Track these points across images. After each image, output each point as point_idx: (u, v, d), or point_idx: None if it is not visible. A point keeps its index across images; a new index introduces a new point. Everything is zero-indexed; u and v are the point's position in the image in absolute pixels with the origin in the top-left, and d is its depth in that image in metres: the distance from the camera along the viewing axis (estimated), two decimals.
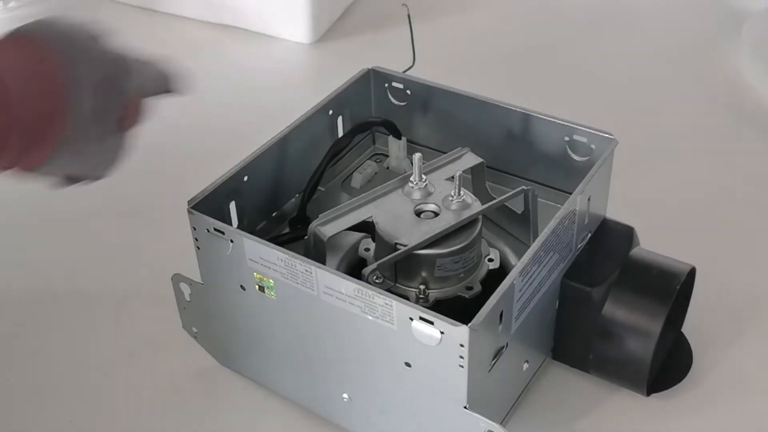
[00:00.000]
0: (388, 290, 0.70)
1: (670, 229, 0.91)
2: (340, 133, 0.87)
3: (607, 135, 0.77)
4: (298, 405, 0.77)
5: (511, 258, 0.78)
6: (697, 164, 1.04)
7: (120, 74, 0.64)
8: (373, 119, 0.88)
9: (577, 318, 0.74)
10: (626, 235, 0.78)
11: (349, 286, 0.64)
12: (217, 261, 0.71)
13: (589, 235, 0.77)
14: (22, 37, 0.60)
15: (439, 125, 0.88)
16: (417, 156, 0.73)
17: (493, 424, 0.62)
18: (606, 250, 0.77)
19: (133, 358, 0.82)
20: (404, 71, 0.88)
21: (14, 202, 1.02)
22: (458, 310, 0.62)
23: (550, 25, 1.35)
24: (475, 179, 0.80)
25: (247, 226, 0.79)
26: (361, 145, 0.91)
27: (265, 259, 0.67)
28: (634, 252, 0.76)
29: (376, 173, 0.89)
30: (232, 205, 0.77)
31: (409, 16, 0.89)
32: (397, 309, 0.62)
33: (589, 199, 0.73)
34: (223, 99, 1.17)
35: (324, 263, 0.66)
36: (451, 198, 0.72)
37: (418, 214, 0.73)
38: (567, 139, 0.80)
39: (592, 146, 0.78)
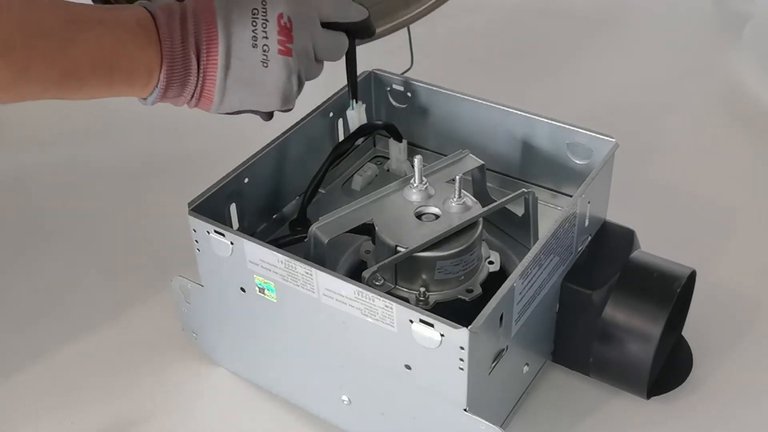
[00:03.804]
0: (389, 293, 0.70)
1: (670, 232, 0.91)
2: (341, 136, 0.87)
3: (607, 138, 0.77)
4: (297, 407, 0.77)
5: (512, 261, 0.78)
6: (697, 167, 1.04)
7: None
8: (374, 123, 0.88)
9: (577, 321, 0.74)
10: (627, 238, 0.78)
11: (349, 288, 0.64)
12: (218, 263, 0.71)
13: (590, 238, 0.77)
14: None
15: (439, 128, 0.88)
16: (417, 158, 0.73)
17: (494, 426, 0.62)
18: (606, 253, 0.77)
19: (133, 360, 0.82)
20: (402, 73, 0.88)
21: (14, 203, 1.02)
22: (458, 312, 0.62)
23: (551, 27, 1.35)
24: (475, 182, 0.80)
25: (248, 228, 0.79)
26: (361, 148, 0.91)
27: (265, 261, 0.67)
28: (635, 255, 0.76)
29: (376, 176, 0.89)
30: (233, 207, 0.77)
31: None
32: (398, 311, 0.62)
33: (589, 202, 0.73)
34: None
35: (324, 265, 0.66)
36: (451, 200, 0.72)
37: (419, 216, 0.73)
38: (567, 141, 0.80)
39: (593, 149, 0.78)
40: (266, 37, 0.68)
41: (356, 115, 0.84)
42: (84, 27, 0.62)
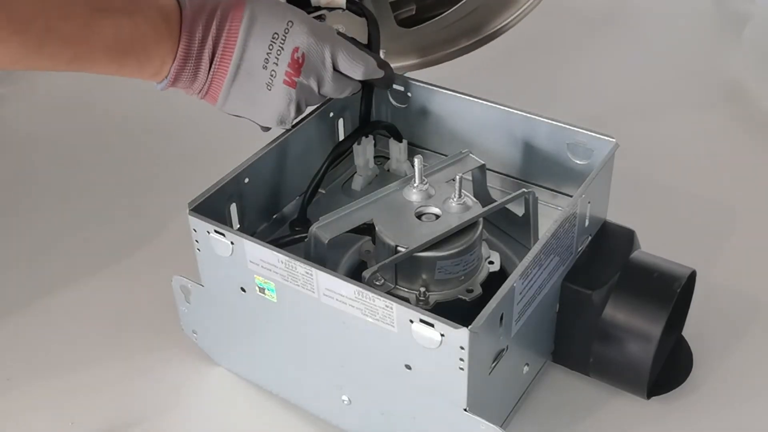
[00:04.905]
0: (389, 293, 0.70)
1: (670, 232, 0.91)
2: (341, 136, 0.87)
3: (607, 138, 0.77)
4: (297, 407, 0.77)
5: (512, 261, 0.78)
6: (697, 167, 1.04)
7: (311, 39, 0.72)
8: (375, 122, 0.88)
9: (577, 321, 0.74)
10: (627, 238, 0.78)
11: (349, 288, 0.64)
12: (218, 263, 0.71)
13: (590, 238, 0.77)
14: None
15: (439, 128, 0.88)
16: (417, 158, 0.73)
17: (494, 426, 0.62)
18: (606, 253, 0.77)
19: (133, 360, 0.82)
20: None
21: (13, 203, 1.02)
22: (459, 312, 0.62)
23: (551, 28, 1.35)
24: (475, 182, 0.80)
25: (248, 228, 0.79)
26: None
27: (265, 261, 0.67)
28: (635, 255, 0.76)
29: (376, 176, 0.89)
30: (233, 207, 0.77)
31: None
32: (398, 311, 0.62)
33: (589, 202, 0.73)
34: None
35: (325, 265, 0.66)
36: (451, 200, 0.72)
37: (419, 216, 0.73)
38: (567, 141, 0.80)
39: (593, 149, 0.78)
40: (276, 64, 0.71)
41: (361, 150, 0.85)
42: (105, 14, 0.64)
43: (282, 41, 0.71)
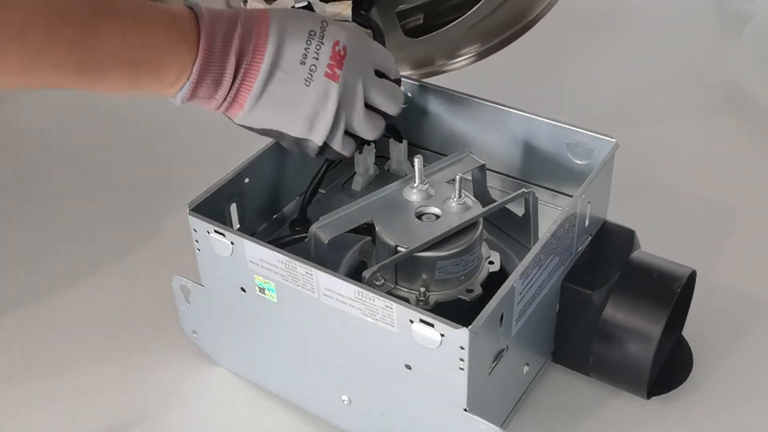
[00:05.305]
0: (389, 293, 0.70)
1: (670, 232, 0.91)
2: None
3: (607, 138, 0.77)
4: (298, 407, 0.77)
5: (512, 261, 0.78)
6: (697, 167, 1.04)
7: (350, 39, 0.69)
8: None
9: (577, 321, 0.74)
10: (627, 238, 0.78)
11: (349, 288, 0.64)
12: (218, 263, 0.71)
13: (590, 238, 0.77)
14: None
15: (439, 128, 0.87)
16: (418, 159, 0.73)
17: (494, 426, 0.62)
18: (606, 253, 0.77)
19: (133, 360, 0.82)
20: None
21: (15, 204, 1.02)
22: (459, 312, 0.62)
23: (551, 27, 1.35)
24: (475, 182, 0.80)
25: (248, 228, 0.79)
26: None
27: (265, 261, 0.67)
28: (635, 255, 0.76)
29: (376, 176, 0.89)
30: (233, 207, 0.77)
31: None
32: (398, 311, 0.62)
33: (589, 202, 0.73)
34: None
35: (325, 265, 0.66)
36: (451, 201, 0.72)
37: (419, 216, 0.73)
38: (567, 141, 0.80)
39: (593, 149, 0.78)
40: (317, 58, 0.67)
41: (361, 160, 0.86)
42: (109, 18, 0.60)
43: (321, 37, 0.67)
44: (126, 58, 0.62)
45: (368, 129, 0.72)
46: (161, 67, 0.63)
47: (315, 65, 0.67)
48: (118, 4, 0.62)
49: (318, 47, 0.67)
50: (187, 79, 0.65)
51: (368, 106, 0.71)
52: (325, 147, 0.70)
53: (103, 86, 0.62)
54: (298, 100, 0.68)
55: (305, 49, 0.67)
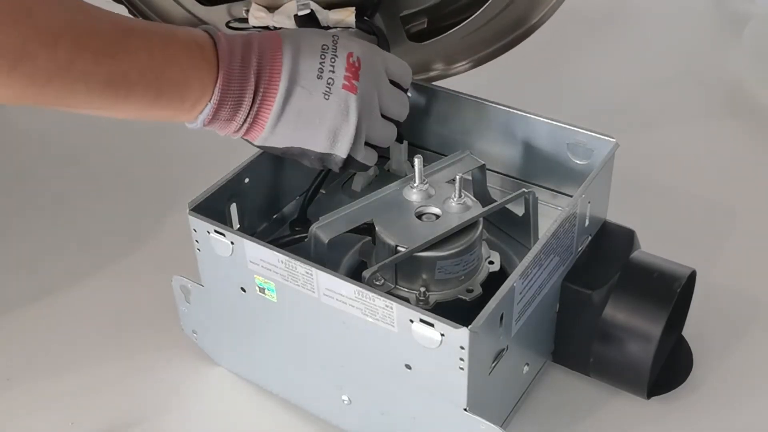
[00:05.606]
0: (389, 292, 0.70)
1: (670, 232, 0.91)
2: None
3: (607, 138, 0.77)
4: (298, 407, 0.77)
5: (512, 261, 0.78)
6: (697, 167, 1.04)
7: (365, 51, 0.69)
8: None
9: (577, 321, 0.74)
10: (627, 238, 0.78)
11: (349, 288, 0.64)
12: (218, 263, 0.71)
13: (590, 238, 0.77)
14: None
15: (440, 128, 0.88)
16: (418, 159, 0.73)
17: (494, 426, 0.62)
18: (606, 253, 0.77)
19: (133, 360, 0.82)
20: None
21: (15, 204, 1.02)
22: (459, 312, 0.62)
23: (551, 27, 1.35)
24: (475, 182, 0.80)
25: (248, 227, 0.79)
26: None
27: (265, 261, 0.67)
28: (635, 255, 0.76)
29: (376, 176, 0.89)
30: (233, 207, 0.77)
31: None
32: (398, 311, 0.62)
33: (589, 202, 0.73)
34: None
35: (325, 265, 0.66)
36: (451, 200, 0.72)
37: (419, 216, 0.73)
38: (567, 141, 0.80)
39: (593, 149, 0.78)
40: (333, 71, 0.67)
41: (362, 179, 0.86)
42: (134, 35, 0.61)
43: (334, 50, 0.68)
44: (152, 76, 0.61)
45: (385, 138, 0.73)
46: (184, 85, 0.63)
47: (332, 78, 0.67)
48: (141, 25, 0.62)
49: (333, 60, 0.68)
50: (209, 101, 0.65)
51: (382, 114, 0.72)
52: (349, 160, 0.70)
53: (126, 104, 0.62)
54: (320, 115, 0.68)
55: (320, 63, 0.67)
